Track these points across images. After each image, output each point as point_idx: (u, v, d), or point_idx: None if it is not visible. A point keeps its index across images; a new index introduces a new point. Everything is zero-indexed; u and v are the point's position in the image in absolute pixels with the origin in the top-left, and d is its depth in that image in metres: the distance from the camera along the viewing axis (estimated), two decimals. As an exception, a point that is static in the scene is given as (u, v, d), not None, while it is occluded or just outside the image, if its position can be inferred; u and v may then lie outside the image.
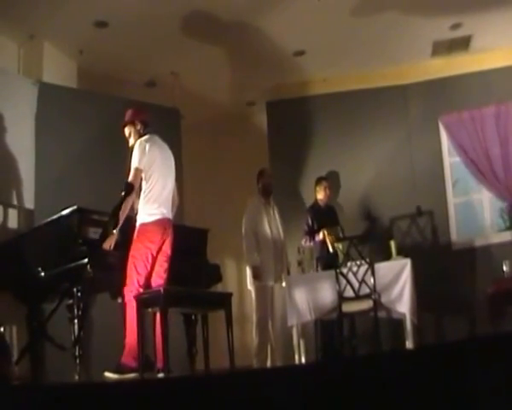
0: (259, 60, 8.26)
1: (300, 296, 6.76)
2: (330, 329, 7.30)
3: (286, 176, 8.57)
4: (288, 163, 8.81)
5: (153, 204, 5.49)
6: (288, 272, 7.32)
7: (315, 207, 7.99)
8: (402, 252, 7.14)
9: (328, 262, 7.11)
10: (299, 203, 8.32)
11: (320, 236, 7.40)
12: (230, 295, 5.98)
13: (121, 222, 5.19)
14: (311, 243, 7.65)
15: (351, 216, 8.15)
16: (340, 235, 7.39)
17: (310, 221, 7.82)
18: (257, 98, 9.20)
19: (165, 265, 5.57)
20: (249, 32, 7.57)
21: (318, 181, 8.03)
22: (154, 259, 5.49)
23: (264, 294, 7.20)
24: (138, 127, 5.73)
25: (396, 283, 6.68)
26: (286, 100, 9.02)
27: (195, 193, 8.47)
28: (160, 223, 5.49)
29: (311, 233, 7.71)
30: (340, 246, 6.93)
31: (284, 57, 8.36)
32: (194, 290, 5.81)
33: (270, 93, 9.02)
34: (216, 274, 6.62)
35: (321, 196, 7.98)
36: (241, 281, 7.15)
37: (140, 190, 5.49)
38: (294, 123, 8.95)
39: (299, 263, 7.19)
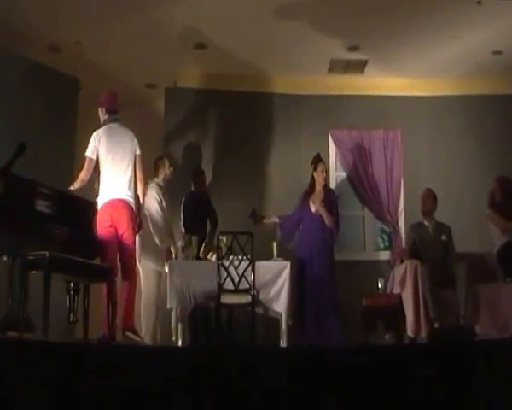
0: (163, 45, 8.48)
1: (181, 281, 7.11)
2: (208, 317, 7.78)
3: (177, 164, 8.83)
4: (181, 152, 9.18)
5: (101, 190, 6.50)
6: (176, 257, 7.61)
7: (189, 196, 8.46)
8: (282, 254, 7.60)
9: None
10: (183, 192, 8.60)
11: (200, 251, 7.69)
12: (112, 268, 6.36)
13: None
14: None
15: (237, 213, 8.43)
16: (214, 242, 7.77)
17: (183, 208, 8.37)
18: (157, 82, 9.45)
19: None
20: (156, 15, 7.78)
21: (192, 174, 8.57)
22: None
23: (155, 277, 7.65)
24: (103, 113, 6.67)
25: (275, 282, 7.21)
26: (185, 89, 9.35)
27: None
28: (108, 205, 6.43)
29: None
30: (224, 239, 7.30)
31: (186, 47, 8.63)
32: (78, 260, 6.02)
33: (170, 79, 9.29)
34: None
35: (195, 188, 8.52)
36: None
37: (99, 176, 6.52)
38: (191, 113, 9.31)
39: (183, 249, 7.52)
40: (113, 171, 6.53)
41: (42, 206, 5.87)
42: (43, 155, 7.83)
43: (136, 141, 6.71)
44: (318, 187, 8.11)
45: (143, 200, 6.90)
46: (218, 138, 9.27)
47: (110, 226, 6.43)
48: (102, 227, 6.40)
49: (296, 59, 8.95)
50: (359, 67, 9.21)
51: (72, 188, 6.44)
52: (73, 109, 8.48)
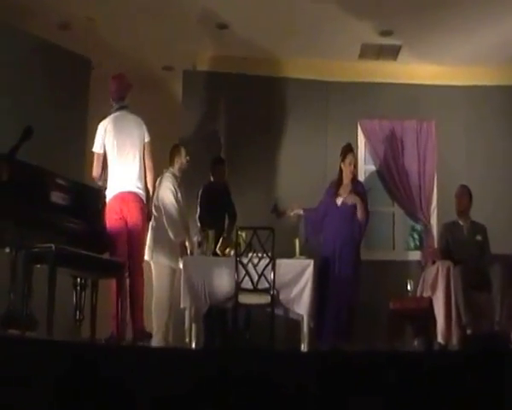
0: (182, 25, 8.26)
1: (196, 279, 6.90)
2: (224, 317, 7.56)
3: (194, 151, 8.54)
4: (199, 138, 8.90)
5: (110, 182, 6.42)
6: (192, 253, 7.40)
7: (207, 188, 8.22)
8: (305, 252, 7.33)
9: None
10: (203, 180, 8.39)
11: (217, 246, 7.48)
12: (124, 264, 6.22)
13: None
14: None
15: (258, 207, 8.27)
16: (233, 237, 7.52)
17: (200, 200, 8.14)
18: (175, 64, 9.22)
19: None
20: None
21: (212, 163, 8.30)
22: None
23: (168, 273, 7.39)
24: (110, 101, 6.54)
25: (297, 282, 6.94)
26: (204, 72, 9.15)
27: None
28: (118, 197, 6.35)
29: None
30: (243, 234, 7.07)
31: (207, 28, 8.40)
32: (86, 254, 5.85)
33: (189, 61, 9.06)
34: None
35: (214, 178, 8.24)
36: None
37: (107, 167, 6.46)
38: (210, 97, 9.11)
39: (199, 244, 7.32)
40: (122, 162, 6.40)
41: (48, 195, 5.77)
42: (52, 140, 7.69)
43: (145, 127, 6.56)
44: (346, 180, 7.77)
45: (153, 190, 6.74)
46: (239, 126, 9.00)
47: (120, 219, 6.29)
48: (112, 220, 6.26)
49: (324, 43, 8.67)
50: (392, 52, 8.93)
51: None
52: (85, 91, 8.34)
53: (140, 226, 6.42)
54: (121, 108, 6.53)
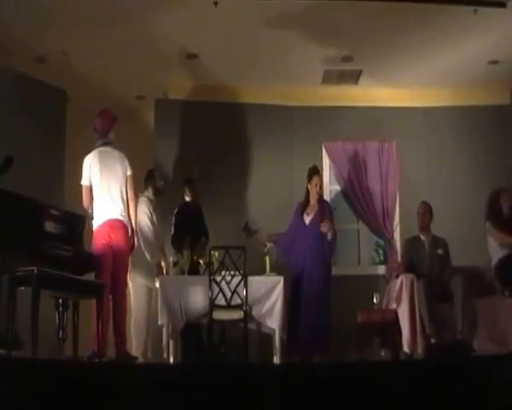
0: (152, 55, 8.47)
1: (173, 297, 7.14)
2: (200, 333, 7.75)
3: (168, 176, 8.87)
4: (172, 164, 9.18)
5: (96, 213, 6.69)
6: (167, 272, 7.63)
7: (181, 208, 8.36)
8: (275, 269, 7.62)
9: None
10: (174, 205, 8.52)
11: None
12: (103, 285, 6.41)
13: None
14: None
15: (229, 227, 8.47)
16: (207, 248, 7.79)
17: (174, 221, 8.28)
18: (147, 93, 9.47)
19: None
20: (145, 24, 7.76)
21: (184, 183, 8.43)
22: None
23: (145, 293, 7.70)
24: (96, 135, 6.78)
25: (268, 298, 7.24)
26: (175, 100, 9.38)
27: (78, 177, 8.51)
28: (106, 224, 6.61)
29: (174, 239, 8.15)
30: (216, 254, 7.34)
31: (176, 57, 8.64)
32: (67, 276, 6.05)
33: (160, 90, 9.32)
34: (90, 262, 6.72)
35: (188, 197, 8.38)
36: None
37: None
38: (182, 125, 9.30)
39: (175, 264, 7.55)
40: (108, 194, 6.66)
41: (29, 220, 5.88)
42: (31, 169, 7.87)
43: (127, 162, 6.82)
44: (313, 200, 8.02)
45: (135, 219, 6.95)
46: (209, 150, 9.20)
47: (107, 244, 6.53)
48: (99, 245, 6.51)
49: (289, 69, 8.95)
50: (353, 77, 9.24)
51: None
52: (61, 121, 8.54)
53: (125, 251, 6.67)
54: (105, 143, 6.76)
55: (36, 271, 5.55)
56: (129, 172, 6.81)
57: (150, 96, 9.38)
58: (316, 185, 8.05)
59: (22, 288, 5.73)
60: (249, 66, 8.85)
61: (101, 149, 6.75)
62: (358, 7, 7.32)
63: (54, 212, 6.32)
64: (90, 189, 6.68)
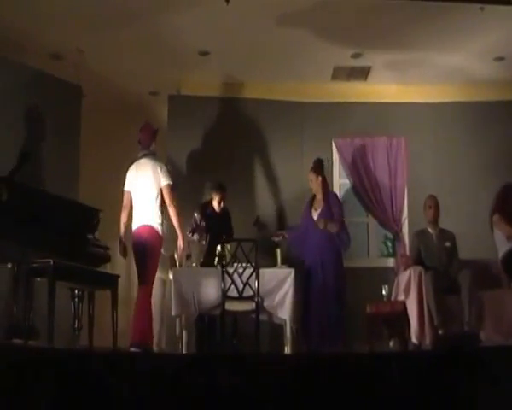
0: (165, 52, 8.57)
1: (186, 289, 7.29)
2: (213, 324, 7.83)
3: (181, 171, 9.00)
4: (185, 159, 9.26)
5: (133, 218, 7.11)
6: (181, 265, 7.64)
7: (208, 210, 8.38)
8: (286, 262, 7.75)
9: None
10: (190, 199, 8.65)
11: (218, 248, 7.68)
12: (117, 276, 6.76)
13: None
14: (194, 237, 8.13)
15: (241, 221, 8.52)
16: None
17: (198, 221, 8.25)
18: (160, 89, 9.56)
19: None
20: (158, 22, 7.83)
21: (215, 189, 8.40)
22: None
23: (159, 285, 7.95)
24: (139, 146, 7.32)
25: (279, 289, 7.37)
26: (188, 96, 9.40)
27: (92, 172, 8.65)
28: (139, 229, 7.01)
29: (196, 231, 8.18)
30: (228, 246, 7.48)
31: (189, 54, 8.70)
32: (82, 267, 6.28)
33: (173, 87, 9.39)
34: (105, 254, 6.95)
35: (215, 202, 8.35)
36: (130, 264, 7.49)
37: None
38: (194, 120, 9.34)
39: (188, 256, 7.65)
40: (141, 201, 7.03)
41: (46, 213, 6.03)
42: (47, 164, 8.03)
43: (163, 172, 7.10)
44: (318, 195, 8.18)
45: (178, 223, 7.14)
46: (222, 146, 9.29)
47: (137, 244, 6.87)
48: (133, 245, 6.97)
49: (299, 66, 9.02)
50: (363, 74, 9.30)
51: (122, 227, 7.11)
52: (77, 117, 8.63)
53: (151, 253, 6.87)
54: (145, 155, 7.13)
55: (52, 262, 5.74)
56: (164, 182, 7.10)
57: (164, 92, 9.48)
58: (311, 181, 8.25)
59: (39, 279, 5.96)
60: (260, 63, 8.93)
61: (141, 160, 7.12)
62: (367, 4, 7.39)
63: (69, 204, 6.48)
64: (129, 195, 7.14)
